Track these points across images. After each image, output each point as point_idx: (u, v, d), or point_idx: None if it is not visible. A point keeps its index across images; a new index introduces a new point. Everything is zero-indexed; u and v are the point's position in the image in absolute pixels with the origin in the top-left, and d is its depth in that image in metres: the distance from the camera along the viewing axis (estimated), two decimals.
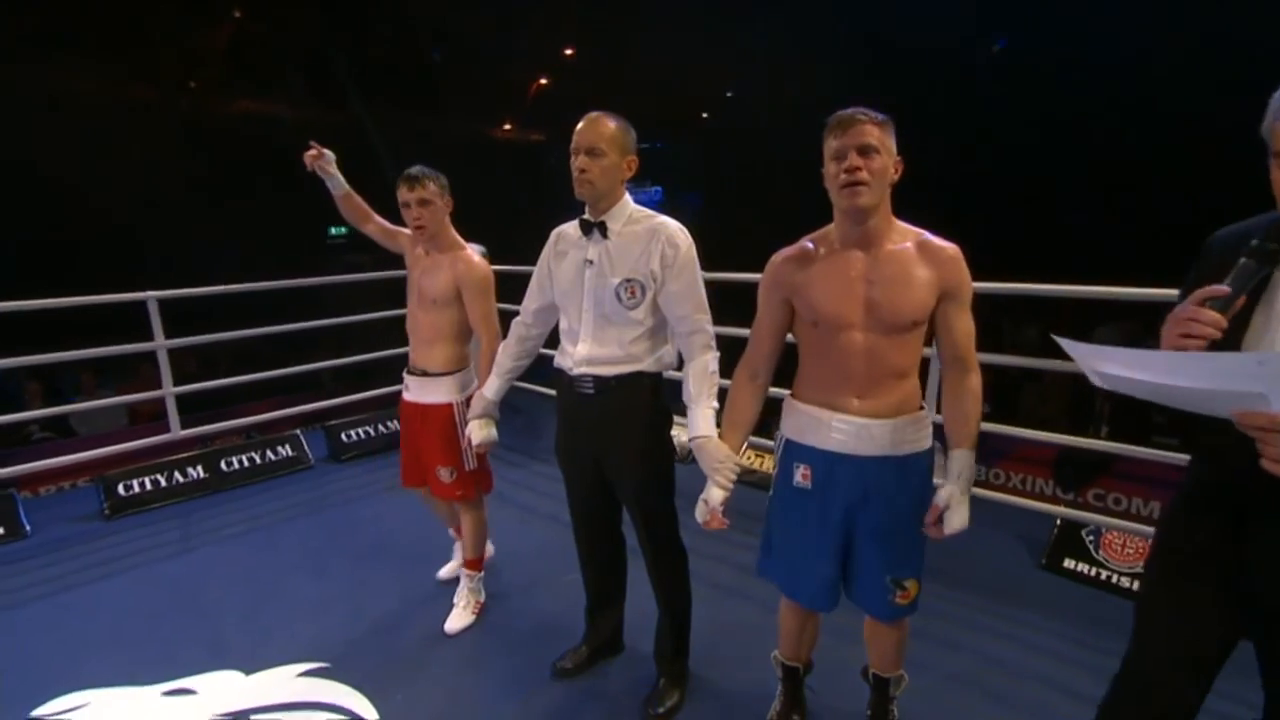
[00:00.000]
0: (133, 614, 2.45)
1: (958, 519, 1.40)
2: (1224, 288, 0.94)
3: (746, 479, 3.43)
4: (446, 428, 2.24)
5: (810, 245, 1.51)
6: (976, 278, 1.53)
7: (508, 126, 14.65)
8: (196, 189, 9.38)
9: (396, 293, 2.60)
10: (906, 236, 1.44)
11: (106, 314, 3.34)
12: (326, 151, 2.30)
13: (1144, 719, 1.15)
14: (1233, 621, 1.09)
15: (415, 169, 2.14)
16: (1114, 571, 2.50)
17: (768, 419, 2.06)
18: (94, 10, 8.84)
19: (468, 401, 2.23)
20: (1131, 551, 2.51)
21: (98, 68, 9.16)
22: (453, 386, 2.25)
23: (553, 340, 1.96)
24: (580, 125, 1.67)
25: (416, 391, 2.28)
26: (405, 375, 2.32)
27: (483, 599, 2.42)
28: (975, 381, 1.45)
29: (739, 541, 2.83)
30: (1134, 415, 4.82)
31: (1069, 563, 2.61)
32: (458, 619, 2.32)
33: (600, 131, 1.65)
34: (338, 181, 2.34)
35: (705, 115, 13.99)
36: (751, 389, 1.61)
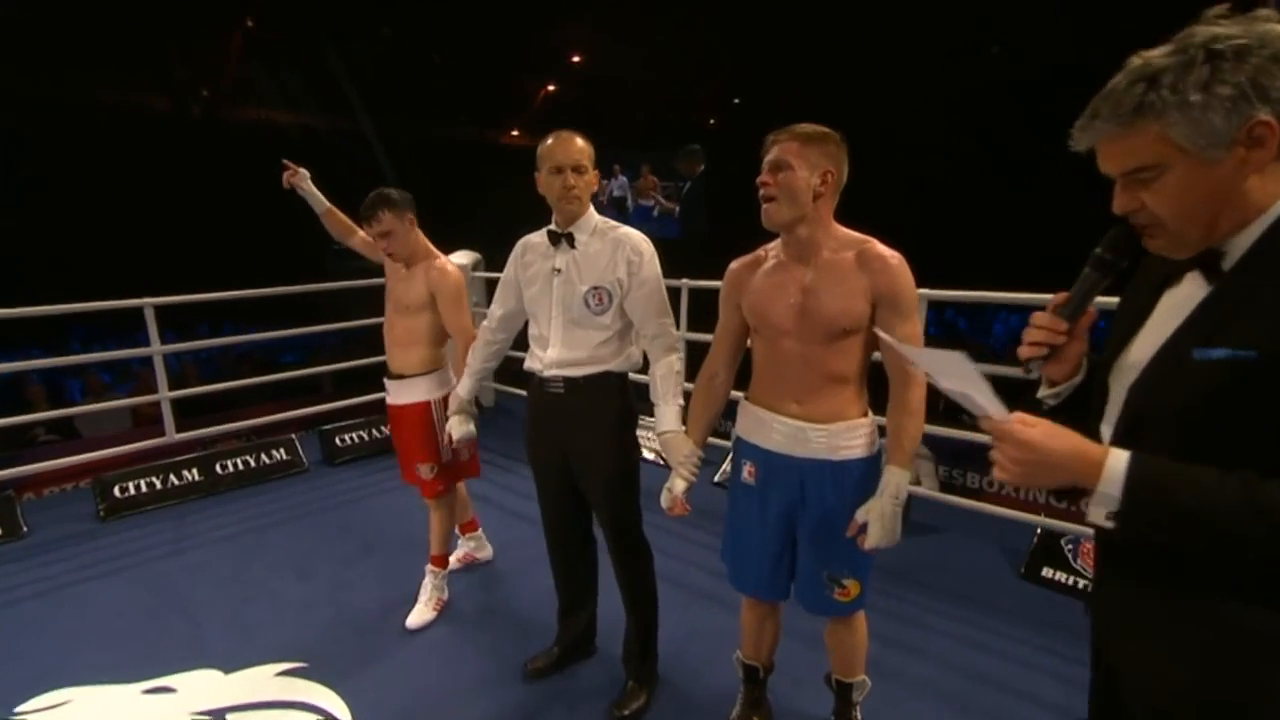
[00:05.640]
0: (120, 613, 2.51)
1: (877, 534, 1.41)
2: (1068, 295, 0.92)
3: (725, 481, 3.45)
4: (424, 425, 2.35)
5: (762, 254, 1.57)
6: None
7: (515, 132, 14.80)
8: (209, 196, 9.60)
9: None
10: (849, 245, 1.46)
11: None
12: (301, 169, 2.35)
13: None
14: None
15: (369, 202, 2.21)
16: (1091, 580, 2.49)
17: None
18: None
19: (444, 400, 2.33)
20: None
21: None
22: (427, 386, 2.36)
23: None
24: (554, 143, 1.73)
25: (395, 393, 2.39)
26: (385, 380, 2.42)
27: (445, 596, 2.50)
28: (915, 395, 1.46)
29: (713, 546, 2.85)
30: None
31: (1047, 571, 2.60)
32: (419, 615, 2.40)
33: (581, 148, 1.73)
34: (318, 199, 2.41)
35: (713, 121, 14.06)
36: (710, 389, 1.69)
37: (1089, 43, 8.77)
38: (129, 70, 9.77)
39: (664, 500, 1.68)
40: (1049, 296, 0.96)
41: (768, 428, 1.54)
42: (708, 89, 12.92)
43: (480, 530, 2.82)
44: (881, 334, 1.20)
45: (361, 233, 2.50)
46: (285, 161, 2.33)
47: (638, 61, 11.47)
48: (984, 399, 0.81)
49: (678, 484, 1.66)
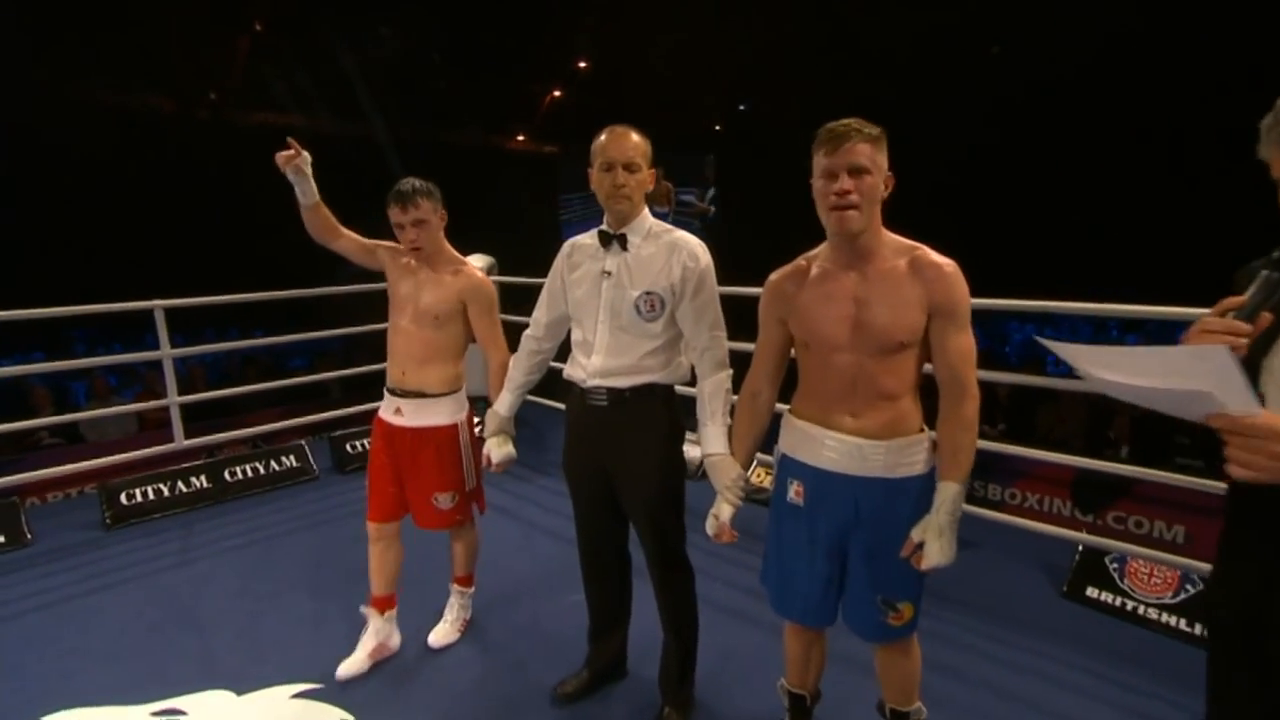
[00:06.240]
0: (127, 627, 2.40)
1: (935, 553, 1.34)
2: (1244, 298, 0.89)
3: (757, 498, 3.36)
4: (450, 450, 2.14)
5: (804, 264, 1.49)
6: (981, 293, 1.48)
7: (521, 138, 14.77)
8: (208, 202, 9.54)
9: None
10: (901, 253, 1.38)
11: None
12: (305, 153, 2.03)
13: None
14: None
15: (405, 185, 2.01)
16: (1140, 602, 2.39)
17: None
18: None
19: (467, 420, 2.19)
20: (1159, 581, 2.40)
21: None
22: (453, 406, 2.16)
23: (561, 353, 1.93)
24: (607, 139, 1.65)
25: (412, 415, 2.12)
26: (390, 397, 2.14)
27: (469, 617, 2.38)
28: (971, 409, 1.37)
29: (747, 564, 2.75)
30: (1154, 436, 4.69)
31: (1092, 591, 2.50)
32: (442, 634, 2.28)
33: (636, 145, 1.65)
34: (309, 189, 2.07)
35: (718, 128, 14.03)
36: (753, 407, 1.60)
37: (1087, 47, 8.75)
38: (134, 72, 9.72)
39: (710, 527, 1.58)
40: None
41: (818, 444, 1.44)
42: (714, 93, 12.88)
43: (395, 611, 2.26)
44: (1045, 341, 1.08)
45: (349, 234, 2.18)
46: (290, 140, 2.00)
47: (644, 65, 11.44)
48: (1230, 395, 0.79)
49: (725, 510, 1.56)
